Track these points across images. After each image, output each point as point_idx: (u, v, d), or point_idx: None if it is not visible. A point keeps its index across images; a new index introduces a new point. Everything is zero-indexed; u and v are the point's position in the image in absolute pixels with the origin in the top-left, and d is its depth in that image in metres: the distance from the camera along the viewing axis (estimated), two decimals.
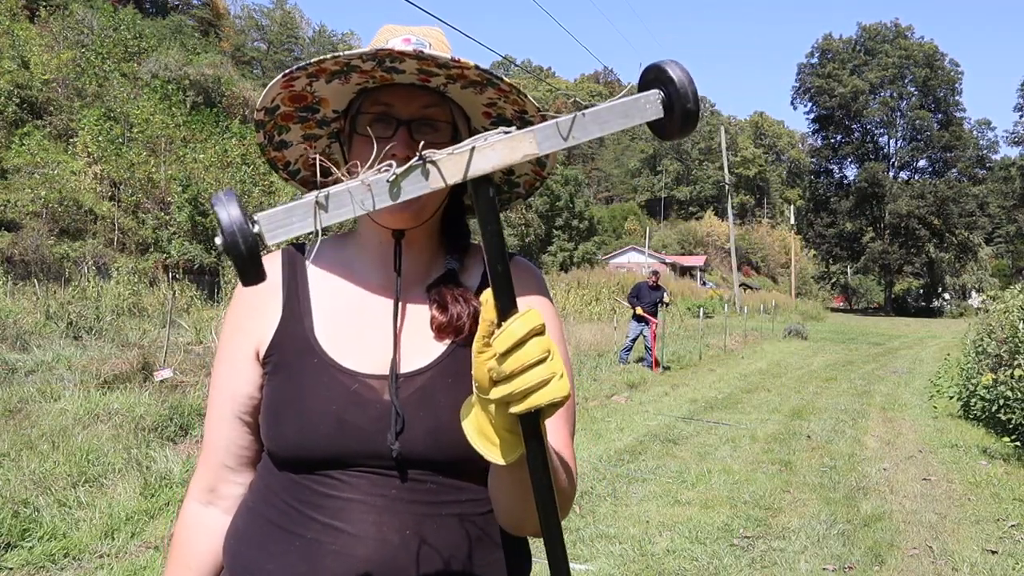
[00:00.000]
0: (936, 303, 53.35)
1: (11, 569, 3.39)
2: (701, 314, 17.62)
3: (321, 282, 1.03)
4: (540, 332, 0.66)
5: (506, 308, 0.66)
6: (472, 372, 0.69)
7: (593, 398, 8.90)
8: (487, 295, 0.67)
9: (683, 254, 55.29)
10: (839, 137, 59.58)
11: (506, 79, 0.90)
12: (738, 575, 3.76)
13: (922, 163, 59.06)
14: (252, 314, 1.02)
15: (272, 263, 1.05)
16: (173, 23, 42.62)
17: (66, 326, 9.05)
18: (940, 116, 57.89)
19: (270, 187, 20.25)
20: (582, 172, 57.56)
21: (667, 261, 45.86)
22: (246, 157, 20.46)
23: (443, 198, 1.00)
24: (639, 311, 11.98)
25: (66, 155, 19.31)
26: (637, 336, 12.01)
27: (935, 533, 4.42)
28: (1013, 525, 4.53)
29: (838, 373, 12.92)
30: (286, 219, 0.63)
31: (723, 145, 33.82)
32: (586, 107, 0.69)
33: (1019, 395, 6.66)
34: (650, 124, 0.73)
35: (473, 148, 0.65)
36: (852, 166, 59.68)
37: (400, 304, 0.98)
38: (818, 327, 26.99)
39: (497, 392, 0.66)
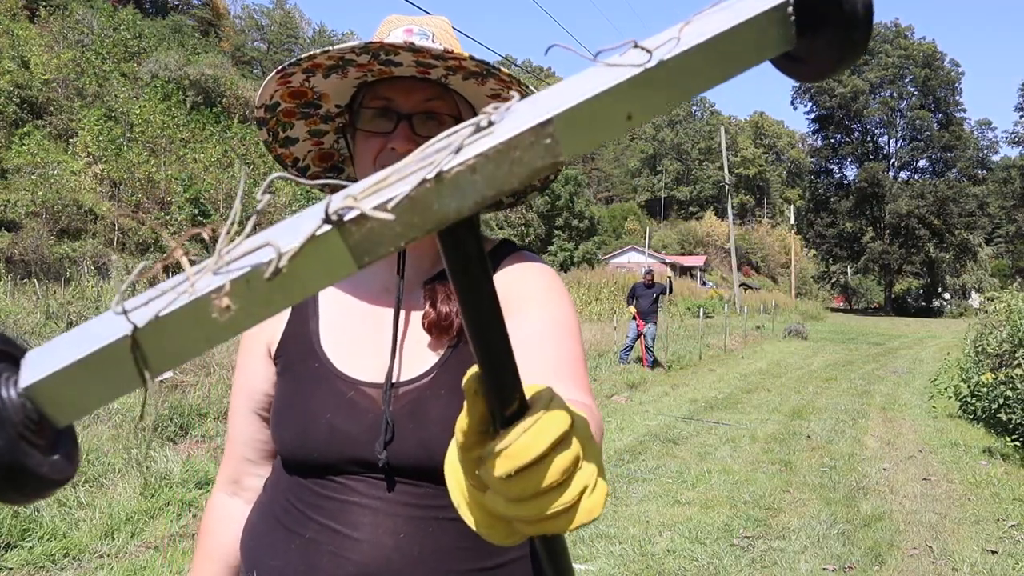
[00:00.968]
0: (936, 303, 53.37)
1: (11, 569, 3.39)
2: (701, 314, 17.62)
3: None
4: (564, 441, 0.42)
5: (505, 405, 0.42)
6: (459, 458, 0.45)
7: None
8: (471, 382, 0.43)
9: (683, 254, 55.26)
10: (839, 137, 59.58)
11: (504, 70, 0.89)
12: (738, 575, 3.76)
13: (922, 163, 59.11)
14: None
15: None
16: (173, 23, 42.61)
17: (66, 326, 9.05)
18: (940, 116, 57.93)
19: (270, 187, 20.20)
20: (582, 172, 57.58)
21: (667, 261, 45.83)
22: (246, 157, 20.47)
23: None
24: (632, 311, 12.07)
25: (66, 155, 19.30)
26: (637, 336, 12.03)
27: (935, 533, 4.42)
28: (1013, 525, 4.53)
29: (838, 373, 12.92)
30: (72, 384, 0.33)
31: (723, 145, 33.81)
32: (649, 54, 0.36)
33: (1019, 395, 6.66)
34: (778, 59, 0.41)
35: (439, 175, 0.33)
36: (852, 166, 59.69)
37: (402, 309, 0.97)
38: (818, 327, 26.99)
39: (495, 506, 0.43)
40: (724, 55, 0.37)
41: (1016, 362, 6.80)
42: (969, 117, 77.68)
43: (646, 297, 12.14)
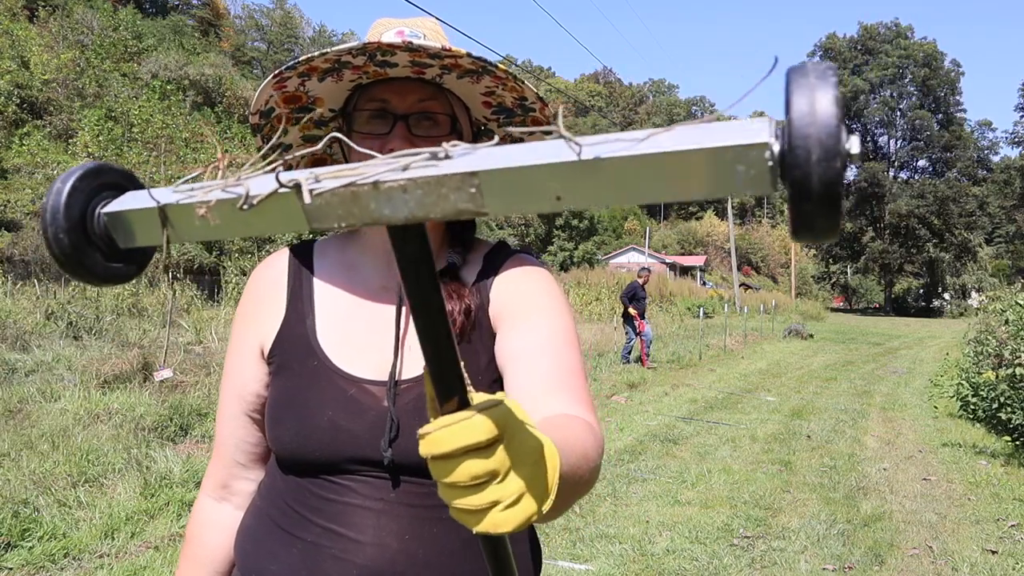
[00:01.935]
0: (936, 303, 53.39)
1: (11, 569, 3.39)
2: (701, 314, 17.61)
3: (325, 282, 1.01)
4: (480, 452, 0.47)
5: (444, 398, 0.49)
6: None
7: (593, 398, 8.89)
8: (425, 373, 0.51)
9: (683, 254, 55.27)
10: None
11: (501, 66, 0.88)
12: (738, 575, 3.76)
13: (922, 163, 59.17)
14: (257, 312, 1.02)
15: (279, 261, 1.04)
16: (173, 23, 42.61)
17: (66, 326, 9.05)
18: (940, 116, 57.95)
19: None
20: None
21: (667, 261, 45.84)
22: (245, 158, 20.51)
23: None
24: (631, 311, 12.11)
25: (66, 155, 19.30)
26: (636, 335, 12.07)
27: (935, 533, 4.42)
28: (1013, 525, 4.53)
29: (838, 373, 12.92)
30: (124, 222, 0.49)
31: None
32: (579, 147, 0.39)
33: (1020, 395, 6.66)
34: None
35: (376, 183, 0.42)
36: (852, 166, 59.66)
37: (404, 307, 0.96)
38: (818, 327, 26.99)
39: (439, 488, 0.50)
40: (676, 173, 0.37)
41: (1017, 361, 6.80)
42: (969, 117, 77.65)
43: (646, 297, 12.21)
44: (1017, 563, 3.92)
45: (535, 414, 0.82)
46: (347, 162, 0.98)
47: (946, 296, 53.81)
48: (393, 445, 0.89)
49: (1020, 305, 7.10)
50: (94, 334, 9.01)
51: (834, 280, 59.81)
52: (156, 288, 13.84)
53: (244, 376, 1.01)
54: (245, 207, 0.43)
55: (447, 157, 0.41)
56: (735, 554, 4.00)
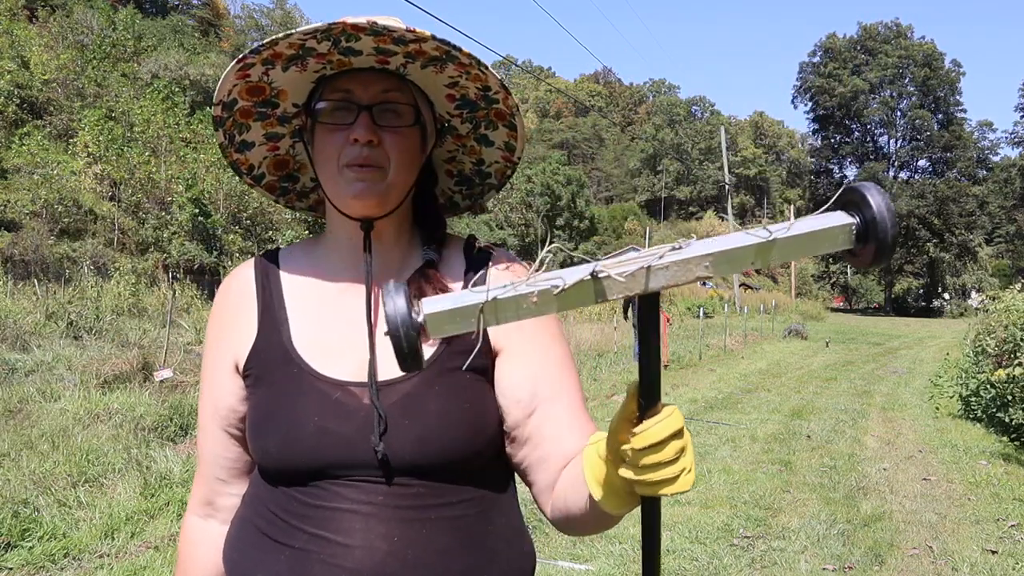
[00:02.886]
0: (936, 303, 53.37)
1: (11, 569, 3.39)
2: (701, 314, 17.62)
3: (295, 288, 1.00)
4: (679, 434, 0.69)
5: (649, 405, 0.69)
6: (607, 439, 0.74)
7: (593, 398, 8.89)
8: (632, 388, 0.70)
9: None
10: (839, 137, 59.61)
11: (465, 50, 0.87)
12: (738, 575, 3.76)
13: (922, 163, 59.18)
14: (229, 326, 1.01)
15: (245, 272, 1.03)
16: (173, 23, 42.61)
17: (66, 326, 9.06)
18: (940, 116, 57.95)
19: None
20: (583, 172, 57.56)
21: None
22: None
23: (411, 184, 0.97)
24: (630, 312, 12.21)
25: (66, 155, 19.30)
26: None
27: (935, 533, 4.42)
28: (1013, 525, 4.53)
29: (838, 373, 12.92)
30: (450, 320, 0.63)
31: (723, 145, 33.82)
32: (771, 233, 0.63)
33: (1020, 395, 6.65)
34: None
35: (648, 267, 0.63)
36: (852, 166, 59.73)
37: (373, 303, 0.95)
38: (818, 327, 26.99)
39: (625, 473, 0.71)
40: (813, 240, 0.64)
41: (1016, 362, 6.80)
42: (969, 117, 77.70)
43: None
44: (1017, 563, 3.92)
45: (569, 450, 0.93)
46: (311, 160, 0.97)
47: (946, 296, 53.79)
48: (383, 440, 0.88)
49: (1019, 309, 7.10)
50: (94, 334, 9.02)
51: (834, 280, 59.79)
52: (156, 288, 13.85)
53: (219, 392, 1.00)
54: (558, 293, 0.62)
55: (680, 247, 0.64)
56: (735, 554, 4.00)
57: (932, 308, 52.31)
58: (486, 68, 0.91)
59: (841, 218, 0.65)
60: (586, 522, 0.88)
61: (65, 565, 3.49)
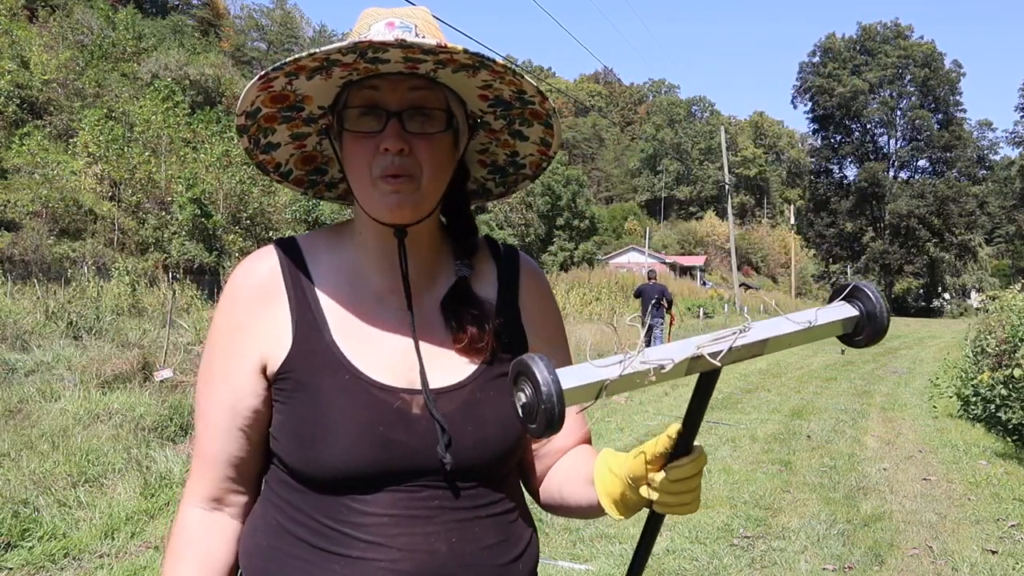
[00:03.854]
0: (936, 303, 53.40)
1: (11, 569, 3.39)
2: (701, 314, 17.61)
3: (327, 287, 0.96)
4: (701, 472, 0.84)
5: (687, 447, 0.83)
6: (628, 463, 0.87)
7: None
8: (673, 430, 0.83)
9: (683, 254, 55.25)
10: (839, 137, 59.61)
11: (499, 61, 0.85)
12: (738, 575, 3.76)
13: (922, 163, 59.21)
14: (252, 322, 0.94)
15: (267, 262, 0.97)
16: (173, 23, 42.61)
17: (66, 326, 9.05)
18: (940, 116, 57.95)
19: (269, 186, 20.27)
20: (583, 172, 57.56)
21: (667, 261, 45.83)
22: (246, 157, 20.50)
23: (444, 187, 0.94)
24: (671, 310, 12.47)
25: (66, 155, 19.31)
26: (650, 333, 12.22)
27: (935, 533, 4.42)
28: (1013, 525, 4.53)
29: (838, 373, 12.92)
30: (582, 394, 0.72)
31: (723, 145, 33.82)
32: (810, 323, 0.80)
33: (1020, 394, 6.65)
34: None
35: (731, 348, 0.76)
36: (852, 166, 59.75)
37: (413, 313, 0.94)
38: None
39: (648, 494, 0.84)
40: (832, 327, 0.82)
41: (1016, 361, 6.80)
42: (969, 117, 77.74)
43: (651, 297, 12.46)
44: (1017, 563, 3.92)
45: (560, 445, 1.07)
46: (338, 156, 0.95)
47: (946, 296, 53.82)
48: (449, 450, 0.89)
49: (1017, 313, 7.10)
50: (94, 334, 9.01)
51: (834, 280, 59.76)
52: (156, 288, 13.84)
53: (240, 390, 0.94)
54: (667, 370, 0.73)
55: (748, 330, 0.77)
56: (735, 554, 4.00)
57: (932, 308, 52.34)
58: (521, 76, 0.88)
59: (850, 310, 0.82)
60: (576, 515, 1.04)
61: (65, 565, 3.49)
